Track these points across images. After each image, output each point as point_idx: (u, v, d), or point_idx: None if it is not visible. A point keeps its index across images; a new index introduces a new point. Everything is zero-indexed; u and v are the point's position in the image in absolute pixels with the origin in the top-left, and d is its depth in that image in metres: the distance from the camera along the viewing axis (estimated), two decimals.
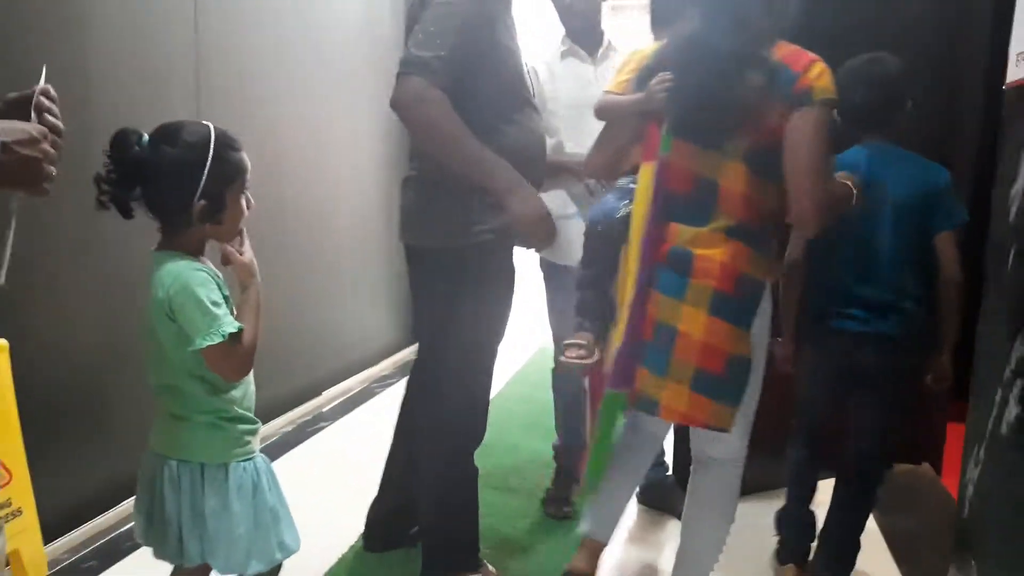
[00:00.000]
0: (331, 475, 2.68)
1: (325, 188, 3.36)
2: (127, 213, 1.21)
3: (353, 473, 2.56)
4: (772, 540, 1.98)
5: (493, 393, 1.87)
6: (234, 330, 1.20)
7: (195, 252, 1.27)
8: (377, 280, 3.99)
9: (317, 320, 3.36)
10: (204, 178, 1.20)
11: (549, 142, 2.08)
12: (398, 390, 3.66)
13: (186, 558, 1.27)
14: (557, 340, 2.30)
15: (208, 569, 1.33)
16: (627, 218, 1.55)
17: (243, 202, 1.28)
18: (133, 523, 1.36)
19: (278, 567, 1.35)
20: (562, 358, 1.73)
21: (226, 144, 1.24)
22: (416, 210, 1.71)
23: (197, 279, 1.20)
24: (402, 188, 1.77)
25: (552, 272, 2.31)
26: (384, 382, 3.87)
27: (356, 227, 3.69)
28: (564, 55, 2.27)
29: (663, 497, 2.32)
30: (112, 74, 2.09)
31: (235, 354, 1.21)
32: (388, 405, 3.53)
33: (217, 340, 1.18)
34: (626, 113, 1.57)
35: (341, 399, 3.55)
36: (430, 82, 1.48)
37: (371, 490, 2.05)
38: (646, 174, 1.49)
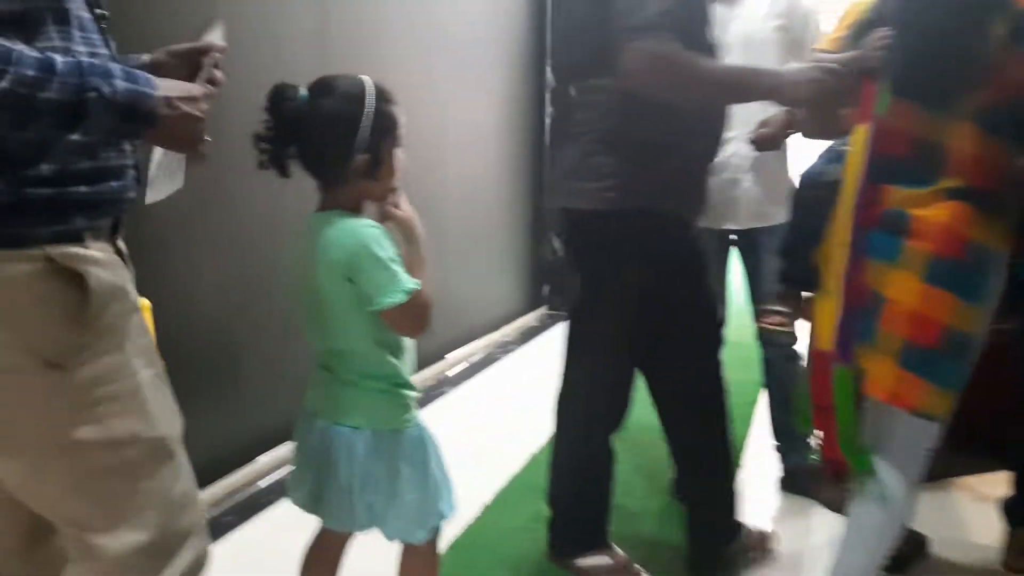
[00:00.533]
0: (455, 441, 2.64)
1: (445, 153, 3.31)
2: (285, 171, 1.17)
3: (477, 438, 2.52)
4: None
5: None
6: (415, 286, 1.15)
7: (355, 211, 1.22)
8: (498, 245, 3.93)
9: (439, 285, 3.34)
10: (363, 131, 1.15)
11: None
12: (520, 356, 3.64)
13: (356, 524, 1.25)
14: None
15: (349, 534, 1.31)
16: (836, 183, 1.45)
17: (399, 156, 1.23)
18: (288, 485, 1.34)
19: (438, 533, 1.32)
20: (762, 323, 1.76)
21: (382, 96, 1.19)
22: (626, 172, 1.53)
23: (373, 236, 1.15)
24: (583, 153, 1.56)
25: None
26: (506, 348, 3.82)
27: (476, 193, 3.63)
28: None
29: (806, 484, 2.11)
30: (242, 52, 2.08)
31: (416, 310, 1.17)
32: (510, 370, 3.48)
33: (401, 298, 1.13)
34: (847, 71, 1.43)
35: (464, 364, 3.53)
36: (661, 41, 1.38)
37: (495, 456, 1.97)
38: (859, 136, 1.38)
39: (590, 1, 1.48)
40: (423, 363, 3.20)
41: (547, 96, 4.06)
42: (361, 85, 1.17)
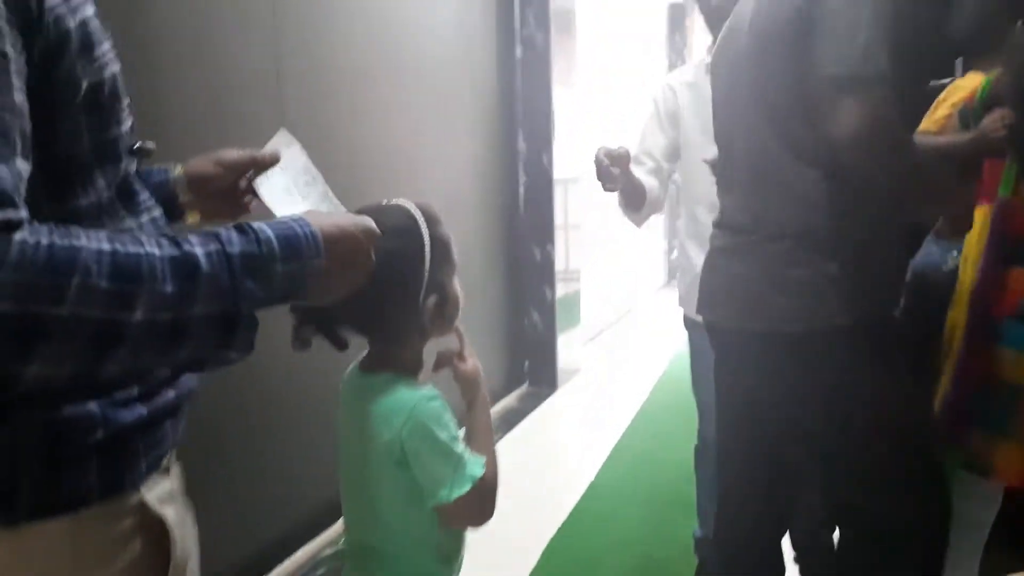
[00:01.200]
0: None
1: None
2: (343, 343, 0.95)
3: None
4: None
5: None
6: (481, 470, 0.96)
7: (414, 367, 1.02)
8: (474, 320, 3.72)
9: None
10: (427, 266, 0.96)
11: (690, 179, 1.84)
12: (505, 447, 3.38)
13: None
14: (704, 411, 1.95)
15: None
16: (955, 271, 1.39)
17: (457, 286, 1.04)
18: None
19: None
20: None
21: (432, 218, 0.99)
22: (822, 281, 1.21)
23: (433, 413, 0.94)
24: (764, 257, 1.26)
25: (696, 330, 1.92)
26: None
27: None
28: (710, 68, 1.85)
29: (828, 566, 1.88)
30: (190, 109, 1.90)
31: (482, 497, 0.96)
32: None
33: (467, 488, 0.93)
34: (958, 154, 1.34)
35: None
36: (885, 99, 1.08)
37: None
38: (980, 217, 1.35)
39: (779, 55, 1.15)
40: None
41: (520, 167, 3.94)
42: (409, 214, 0.97)
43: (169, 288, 0.56)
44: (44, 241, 0.52)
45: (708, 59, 1.73)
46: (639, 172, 1.79)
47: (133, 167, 0.71)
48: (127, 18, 1.67)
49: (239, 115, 2.00)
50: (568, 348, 4.23)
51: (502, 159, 3.85)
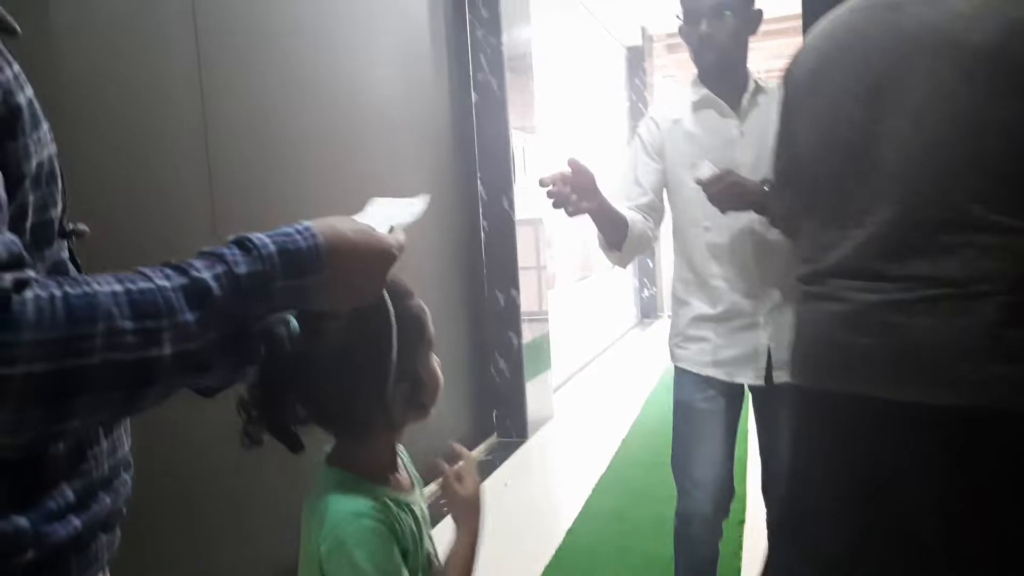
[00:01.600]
0: None
1: None
2: (297, 444, 0.82)
3: None
4: None
5: None
6: None
7: (380, 465, 0.90)
8: (441, 366, 3.58)
9: None
10: (394, 350, 0.82)
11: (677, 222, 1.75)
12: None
13: None
14: (688, 489, 1.72)
15: None
16: None
17: (435, 364, 0.94)
18: None
19: None
20: None
21: (400, 292, 0.86)
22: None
23: (358, 535, 0.81)
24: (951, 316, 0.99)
25: (690, 387, 1.73)
26: None
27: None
28: (697, 106, 1.70)
29: None
30: (112, 154, 1.78)
31: None
32: None
33: None
34: None
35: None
36: None
37: None
38: None
39: (1000, 89, 0.96)
40: None
41: (480, 211, 3.87)
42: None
43: (190, 317, 0.56)
44: (58, 293, 0.51)
45: (693, 95, 1.70)
46: (628, 204, 1.69)
47: (65, 252, 0.67)
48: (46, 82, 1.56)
49: (164, 172, 1.89)
50: (539, 395, 4.11)
51: (461, 204, 3.77)
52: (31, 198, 0.59)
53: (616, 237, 1.62)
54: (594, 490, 3.19)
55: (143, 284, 0.55)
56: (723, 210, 1.54)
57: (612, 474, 3.37)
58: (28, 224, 0.59)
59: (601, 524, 2.82)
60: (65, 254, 0.66)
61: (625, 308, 7.46)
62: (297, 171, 2.41)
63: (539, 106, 4.38)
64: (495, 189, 3.86)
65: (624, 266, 1.74)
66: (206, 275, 0.58)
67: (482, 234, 3.89)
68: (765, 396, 1.67)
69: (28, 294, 0.49)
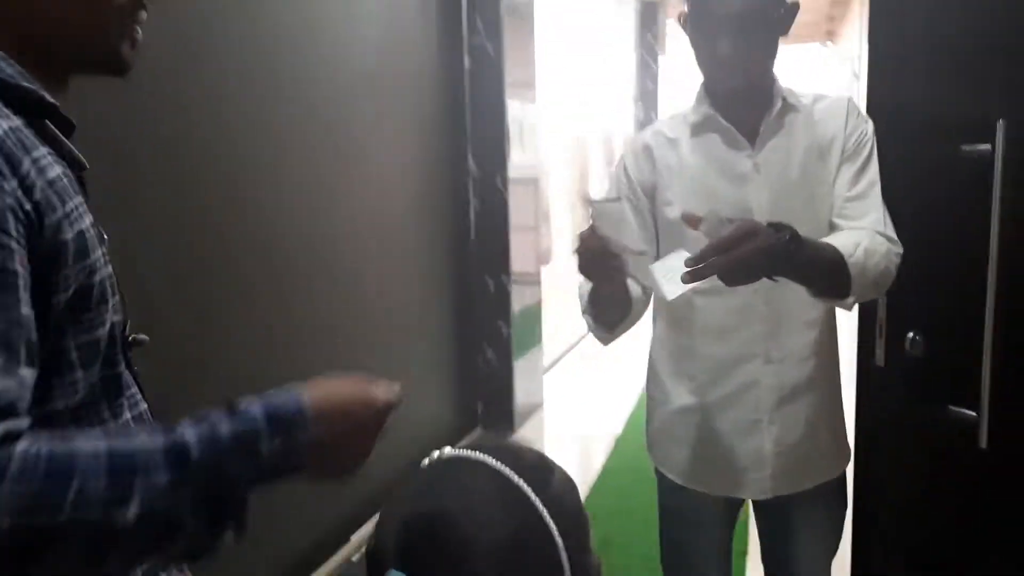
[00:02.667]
0: None
1: (359, 249, 2.74)
2: None
3: None
4: None
5: None
6: None
7: None
8: (423, 356, 3.36)
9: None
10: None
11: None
12: None
13: None
14: None
15: None
16: None
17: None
18: None
19: None
20: None
21: (554, 482, 0.67)
22: None
23: None
24: None
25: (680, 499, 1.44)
26: None
27: (394, 293, 3.06)
28: (697, 128, 1.31)
29: None
30: None
31: None
32: None
33: None
34: None
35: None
36: None
37: None
38: None
39: None
40: (317, 551, 2.53)
41: (470, 187, 3.57)
42: (504, 488, 0.61)
43: (163, 478, 0.57)
44: (43, 450, 0.54)
45: (694, 115, 1.30)
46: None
47: (121, 365, 0.72)
48: None
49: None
50: (527, 378, 3.88)
51: (450, 184, 3.47)
52: (70, 322, 0.63)
53: (615, 317, 1.28)
54: (590, 492, 3.00)
55: (125, 444, 0.58)
56: (734, 284, 1.06)
57: (607, 475, 3.18)
58: (71, 344, 0.63)
59: (595, 525, 2.64)
60: (121, 367, 0.71)
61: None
62: (269, 143, 2.12)
63: (540, 71, 4.02)
64: (488, 166, 3.55)
65: (607, 344, 1.37)
66: (189, 436, 0.60)
67: (472, 215, 3.59)
68: (770, 509, 1.36)
69: (18, 447, 0.53)
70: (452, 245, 3.51)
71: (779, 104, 1.26)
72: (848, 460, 1.40)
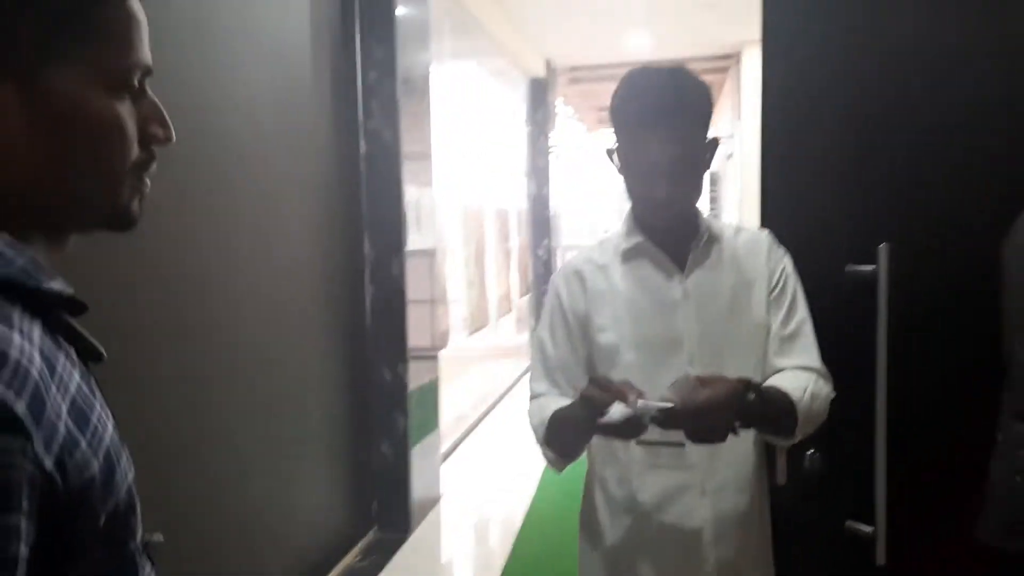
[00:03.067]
0: None
1: (243, 330, 2.55)
2: None
3: None
4: None
5: None
6: None
7: None
8: (315, 454, 3.15)
9: (239, 509, 2.49)
10: None
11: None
12: None
13: None
14: None
15: None
16: None
17: None
18: None
19: None
20: None
21: None
22: None
23: None
24: None
25: None
26: None
27: (283, 381, 2.86)
28: (628, 255, 1.32)
29: None
30: None
31: None
32: None
33: None
34: None
35: None
36: None
37: None
38: None
39: None
40: None
41: (367, 272, 3.47)
42: None
43: None
44: None
45: (625, 242, 1.31)
46: (555, 392, 1.32)
47: (148, 570, 0.68)
48: None
49: None
50: (425, 470, 3.73)
51: (345, 268, 3.36)
52: (100, 544, 0.60)
53: (579, 447, 1.26)
54: None
55: None
56: (701, 443, 1.13)
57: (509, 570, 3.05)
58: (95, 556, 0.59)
59: None
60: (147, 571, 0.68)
61: (517, 351, 7.19)
62: (159, 234, 1.95)
63: (436, 155, 4.03)
64: (384, 252, 3.47)
65: (562, 471, 1.32)
66: None
67: (367, 302, 3.48)
68: None
69: None
70: (347, 333, 3.38)
71: (705, 235, 1.30)
72: None
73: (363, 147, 3.42)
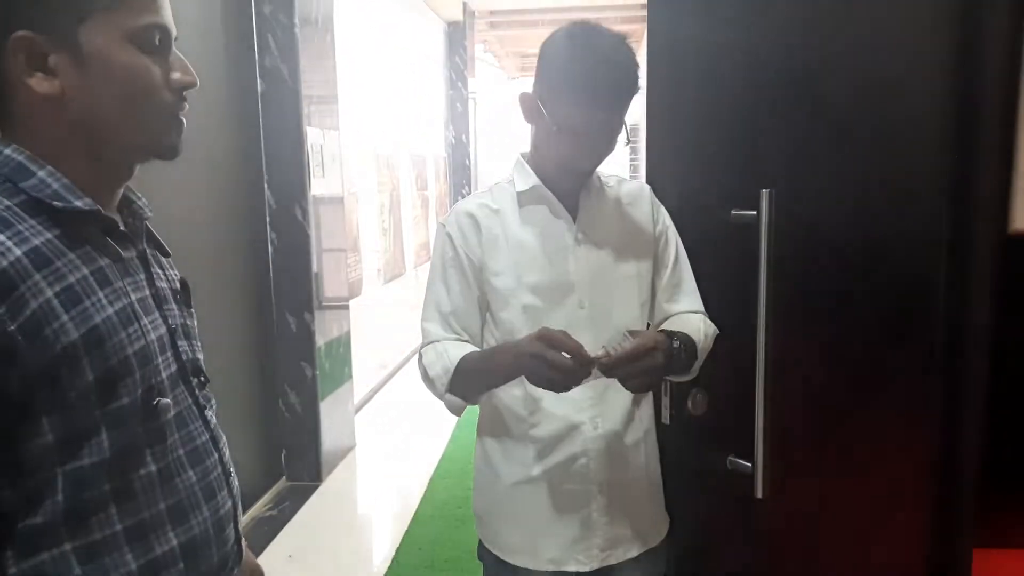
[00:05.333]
0: None
1: None
2: None
3: None
4: None
5: None
6: None
7: None
8: (222, 408, 3.06)
9: None
10: None
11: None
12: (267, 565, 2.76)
13: None
14: None
15: None
16: None
17: None
18: None
19: None
20: None
21: None
22: None
23: None
24: None
25: None
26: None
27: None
28: (524, 199, 1.31)
29: None
30: None
31: None
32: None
33: None
34: None
35: None
36: None
37: None
38: None
39: None
40: None
41: (267, 219, 3.33)
42: None
43: None
44: None
45: (521, 183, 1.30)
46: (449, 336, 1.31)
47: (164, 416, 0.82)
48: None
49: None
50: (337, 420, 3.69)
51: (245, 214, 3.21)
52: (96, 397, 0.75)
53: (483, 393, 1.30)
54: (397, 550, 2.87)
55: None
56: (638, 392, 1.26)
57: (416, 529, 3.06)
58: (96, 413, 0.75)
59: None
60: (162, 419, 0.82)
61: None
62: None
63: (343, 95, 3.86)
64: (286, 196, 3.33)
65: (460, 415, 1.33)
66: None
67: (270, 248, 3.35)
68: None
69: None
70: (250, 283, 3.25)
71: (595, 183, 1.33)
72: (667, 525, 1.42)
73: (260, 86, 3.24)
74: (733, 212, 1.43)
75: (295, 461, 3.47)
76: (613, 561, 1.32)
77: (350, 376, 3.92)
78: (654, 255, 1.36)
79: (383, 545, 2.95)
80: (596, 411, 1.29)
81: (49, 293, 0.72)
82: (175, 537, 0.81)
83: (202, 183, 2.87)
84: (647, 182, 1.43)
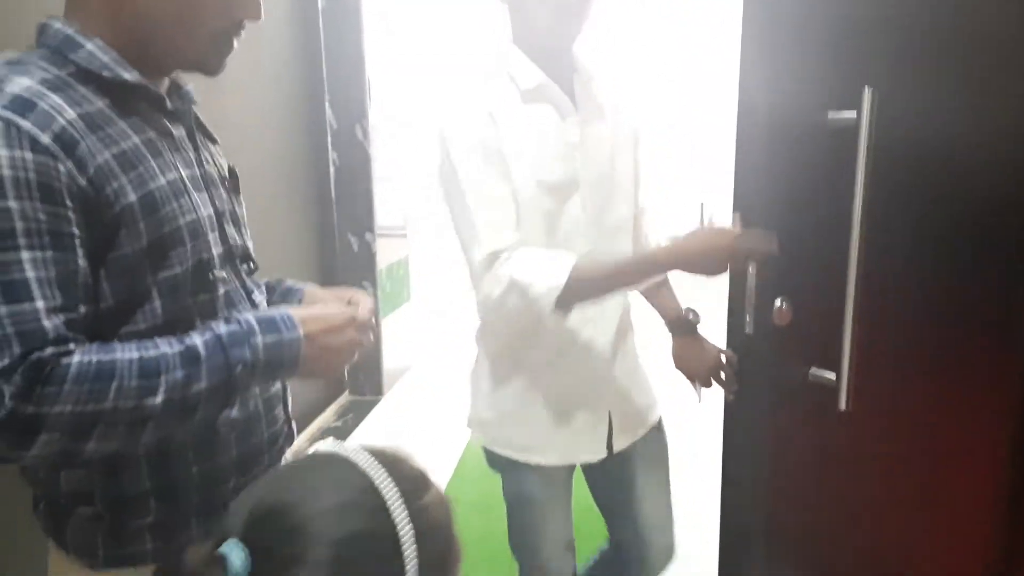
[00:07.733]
0: None
1: None
2: None
3: None
4: None
5: None
6: None
7: None
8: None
9: None
10: None
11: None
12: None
13: None
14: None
15: None
16: None
17: None
18: None
19: None
20: None
21: (413, 478, 0.67)
22: None
23: None
24: None
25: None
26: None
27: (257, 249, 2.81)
28: (529, 97, 1.24)
29: None
30: None
31: None
32: None
33: None
34: None
35: None
36: None
37: None
38: None
39: None
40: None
41: (329, 140, 3.33)
42: (360, 483, 0.61)
43: (180, 374, 0.76)
44: (93, 359, 0.72)
45: (526, 81, 1.23)
46: (517, 239, 1.21)
47: (218, 290, 0.88)
48: None
49: None
50: (396, 339, 3.77)
51: (307, 133, 3.22)
52: (150, 264, 0.79)
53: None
54: (459, 461, 2.96)
55: (151, 352, 0.75)
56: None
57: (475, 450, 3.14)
58: (150, 280, 0.80)
59: (464, 511, 2.60)
60: (217, 292, 0.87)
61: None
62: None
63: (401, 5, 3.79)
64: (347, 116, 3.32)
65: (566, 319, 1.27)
66: (197, 341, 0.78)
67: (332, 170, 3.37)
68: (601, 466, 1.40)
69: (74, 359, 0.71)
70: (312, 202, 3.28)
71: (584, 71, 1.28)
72: (658, 404, 1.51)
73: (321, 3, 3.19)
74: (830, 114, 1.36)
75: (357, 376, 3.56)
76: (622, 446, 1.39)
77: (408, 298, 3.97)
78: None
79: (446, 456, 3.03)
80: (597, 311, 1.34)
81: (107, 154, 0.75)
82: (227, 409, 0.85)
83: (266, 101, 2.87)
84: (740, 81, 1.37)
